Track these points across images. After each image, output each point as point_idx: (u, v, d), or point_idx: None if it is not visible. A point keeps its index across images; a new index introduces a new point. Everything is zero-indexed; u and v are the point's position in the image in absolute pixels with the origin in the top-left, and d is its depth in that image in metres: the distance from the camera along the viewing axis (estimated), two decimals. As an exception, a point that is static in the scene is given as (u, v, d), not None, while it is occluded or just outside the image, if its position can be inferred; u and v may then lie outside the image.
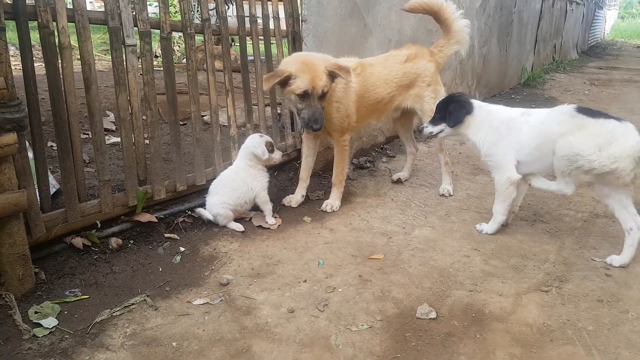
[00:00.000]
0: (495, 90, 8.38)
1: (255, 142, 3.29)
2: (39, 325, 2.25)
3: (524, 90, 9.22)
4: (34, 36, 2.58)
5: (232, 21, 3.66)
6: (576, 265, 2.95)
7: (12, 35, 4.35)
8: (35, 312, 2.32)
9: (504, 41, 8.37)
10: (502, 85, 8.77)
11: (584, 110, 2.88)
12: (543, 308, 2.52)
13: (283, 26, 4.09)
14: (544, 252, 3.10)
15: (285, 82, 3.14)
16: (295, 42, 4.07)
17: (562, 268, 2.91)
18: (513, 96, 8.49)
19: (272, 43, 4.03)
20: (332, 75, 3.18)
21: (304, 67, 3.12)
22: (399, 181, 4.20)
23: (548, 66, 12.10)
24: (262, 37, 3.93)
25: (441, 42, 3.99)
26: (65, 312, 2.36)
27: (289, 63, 3.21)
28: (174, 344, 2.19)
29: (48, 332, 2.22)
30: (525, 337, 2.30)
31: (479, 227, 3.35)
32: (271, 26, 3.97)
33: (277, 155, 3.41)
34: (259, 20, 3.87)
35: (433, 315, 2.43)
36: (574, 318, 2.44)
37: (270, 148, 3.33)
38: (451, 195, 3.97)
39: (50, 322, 2.27)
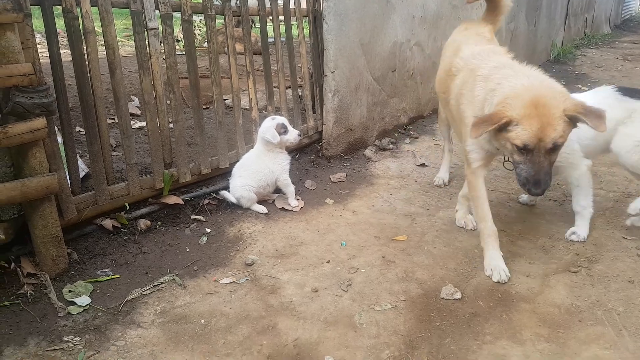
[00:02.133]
0: (522, 67, 8.14)
1: (265, 127, 3.25)
2: (73, 303, 2.33)
3: (554, 66, 8.93)
4: (59, 23, 2.63)
5: (252, 2, 3.64)
6: (606, 245, 2.88)
7: (37, 23, 4.43)
8: (70, 291, 2.41)
9: (533, 16, 8.09)
10: (530, 62, 8.37)
11: (628, 92, 2.76)
12: (572, 289, 2.48)
13: (304, 5, 4.04)
14: (573, 232, 3.04)
15: (500, 127, 2.34)
16: (317, 21, 4.02)
17: (591, 248, 2.84)
18: (541, 73, 8.24)
19: (293, 24, 4.00)
20: (573, 120, 2.31)
21: (531, 110, 2.26)
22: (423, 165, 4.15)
23: (579, 41, 11.67)
24: (282, 18, 3.90)
25: (489, 17, 3.49)
26: (98, 291, 2.44)
27: (513, 100, 2.32)
28: (203, 321, 2.24)
29: (82, 309, 2.30)
30: (552, 317, 2.28)
31: (573, 237, 2.94)
32: (291, 5, 3.93)
33: (292, 136, 3.29)
34: (279, 0, 3.84)
35: (458, 295, 2.42)
36: (604, 299, 2.40)
37: (283, 130, 3.26)
38: None
39: (84, 300, 2.35)
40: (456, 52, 2.91)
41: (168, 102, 3.13)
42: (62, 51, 2.66)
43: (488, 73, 2.56)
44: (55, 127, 2.60)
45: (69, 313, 2.27)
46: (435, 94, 5.35)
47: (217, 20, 3.41)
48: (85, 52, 2.68)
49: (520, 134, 2.29)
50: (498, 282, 2.54)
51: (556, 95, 2.32)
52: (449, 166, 3.81)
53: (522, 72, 2.50)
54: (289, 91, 4.13)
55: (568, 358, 2.04)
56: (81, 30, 2.65)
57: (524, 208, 3.38)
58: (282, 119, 3.31)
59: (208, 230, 3.02)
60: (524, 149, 2.32)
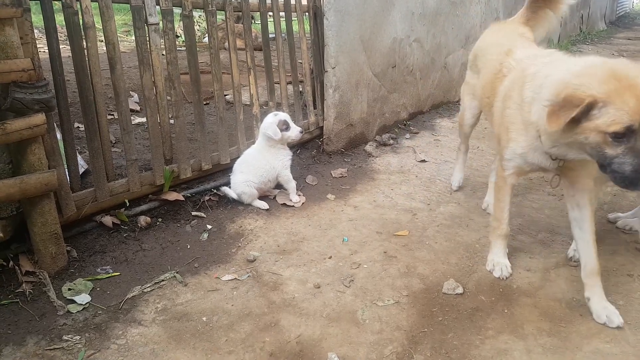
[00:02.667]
0: (520, 63, 8.14)
1: (266, 123, 3.25)
2: (73, 301, 2.31)
3: (550, 63, 8.94)
4: (58, 19, 2.60)
5: (252, -3, 3.61)
6: (605, 239, 2.88)
7: (36, 19, 4.39)
8: (69, 289, 2.38)
9: (530, 12, 8.09)
10: (527, 59, 8.51)
11: None
12: (572, 283, 2.49)
13: (304, 1, 4.02)
14: (573, 227, 3.05)
15: (582, 113, 1.89)
16: (317, 17, 4.01)
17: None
18: (539, 69, 8.26)
19: (294, 20, 3.98)
20: None
21: (615, 83, 1.85)
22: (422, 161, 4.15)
23: (575, 38, 11.68)
24: (283, 14, 3.88)
25: (530, 18, 3.02)
26: (98, 289, 2.42)
27: (582, 79, 1.92)
28: (204, 318, 2.23)
29: (82, 308, 2.28)
30: (554, 311, 2.28)
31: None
32: (292, 1, 3.91)
33: (294, 133, 3.30)
34: (280, -4, 3.82)
35: (460, 290, 2.42)
36: (604, 292, 2.40)
37: (285, 127, 3.25)
38: None
39: (84, 298, 2.33)
40: (508, 53, 2.59)
41: (168, 97, 3.11)
42: (61, 47, 2.64)
43: (537, 70, 2.19)
44: (55, 124, 2.58)
45: (68, 311, 2.25)
46: (435, 89, 5.38)
47: (218, 16, 3.39)
48: (84, 47, 2.66)
49: (616, 116, 1.83)
50: (499, 278, 2.54)
51: (631, 64, 1.92)
52: (463, 167, 3.62)
53: (576, 58, 2.16)
54: (290, 87, 4.12)
55: (570, 352, 2.05)
56: (81, 26, 2.63)
57: (524, 202, 3.39)
58: (284, 116, 3.30)
59: (209, 226, 3.01)
60: (623, 136, 1.86)
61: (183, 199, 3.15)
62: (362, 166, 4.01)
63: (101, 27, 2.73)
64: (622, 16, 19.33)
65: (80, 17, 2.61)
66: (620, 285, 2.46)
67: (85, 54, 2.67)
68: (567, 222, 3.03)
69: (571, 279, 2.51)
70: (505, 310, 2.29)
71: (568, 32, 11.29)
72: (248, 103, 3.78)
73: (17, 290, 2.35)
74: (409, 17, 4.66)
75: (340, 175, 3.79)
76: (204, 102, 4.21)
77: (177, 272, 2.55)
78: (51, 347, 2.04)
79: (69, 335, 2.10)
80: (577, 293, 2.40)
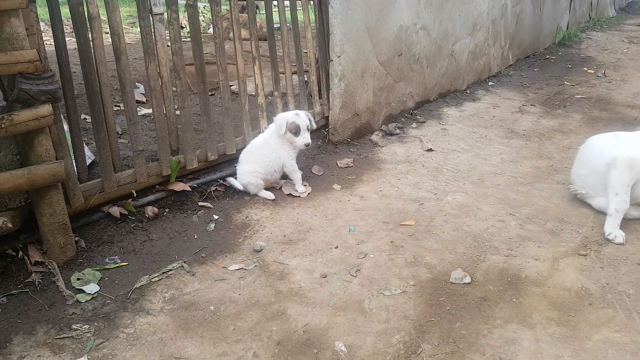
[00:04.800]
0: (529, 50, 8.03)
1: (281, 116, 3.22)
2: (82, 291, 2.33)
3: (559, 50, 8.82)
4: (63, 11, 2.60)
5: (257, -14, 3.58)
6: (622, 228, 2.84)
7: (42, 11, 4.39)
8: (78, 279, 2.41)
9: (538, -1, 7.98)
10: (536, 46, 8.40)
11: None
12: (581, 272, 2.47)
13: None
14: (582, 215, 3.02)
15: None
16: (322, 5, 3.96)
17: (600, 231, 2.83)
18: (548, 56, 8.15)
19: (298, 9, 3.94)
20: None
21: None
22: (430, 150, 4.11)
23: (584, 24, 11.50)
24: (287, 3, 3.84)
25: None
26: (106, 279, 2.44)
27: None
28: (212, 307, 2.24)
29: (90, 297, 2.30)
30: (563, 300, 2.27)
31: None
32: (297, -11, 3.88)
33: (300, 141, 3.20)
34: (285, -16, 3.78)
35: (467, 280, 2.41)
36: (614, 281, 2.39)
37: (294, 130, 3.19)
38: None
39: (92, 288, 2.36)
40: None
41: (174, 88, 3.10)
42: (66, 39, 2.63)
43: None
44: (61, 115, 2.58)
45: (77, 301, 2.27)
46: (442, 78, 5.32)
47: (222, 6, 3.36)
48: (90, 38, 2.65)
49: None
50: None
51: None
52: None
53: None
54: (295, 77, 4.09)
55: (579, 341, 2.03)
56: (86, 16, 2.62)
57: (532, 192, 3.36)
58: (301, 120, 3.19)
59: (215, 216, 3.01)
60: None
61: (190, 189, 3.15)
62: (368, 156, 3.99)
63: (106, 19, 2.72)
64: (632, 2, 18.99)
65: (85, 7, 2.60)
66: (630, 274, 2.44)
67: (91, 45, 2.66)
68: (577, 210, 3.05)
69: (580, 268, 2.50)
70: (514, 300, 2.29)
71: (577, 19, 11.13)
72: (253, 93, 3.76)
73: (27, 280, 2.38)
74: (415, 4, 4.60)
75: (346, 165, 3.77)
76: (209, 93, 4.20)
77: (184, 262, 2.56)
78: (61, 336, 2.06)
79: (78, 325, 2.12)
80: (586, 282, 2.39)
